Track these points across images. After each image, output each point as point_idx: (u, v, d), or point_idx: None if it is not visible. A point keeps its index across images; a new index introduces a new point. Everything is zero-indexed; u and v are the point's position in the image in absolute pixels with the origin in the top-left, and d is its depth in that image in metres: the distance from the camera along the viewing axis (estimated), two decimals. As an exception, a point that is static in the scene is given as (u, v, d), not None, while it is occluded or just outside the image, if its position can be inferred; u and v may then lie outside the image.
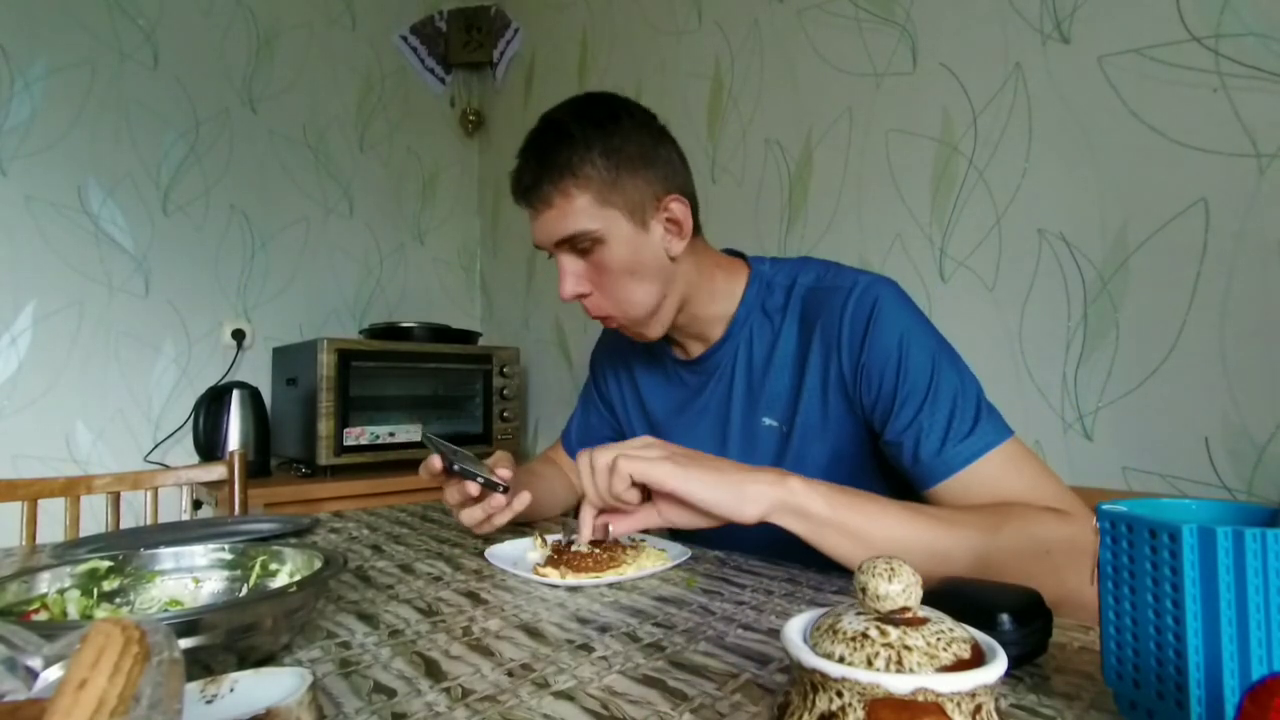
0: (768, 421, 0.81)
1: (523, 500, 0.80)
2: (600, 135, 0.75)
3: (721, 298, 0.84)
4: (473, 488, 0.78)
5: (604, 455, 0.62)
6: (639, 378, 0.96)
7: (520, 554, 0.75)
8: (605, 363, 1.03)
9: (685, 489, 0.59)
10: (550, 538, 0.78)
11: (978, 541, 0.58)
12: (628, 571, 0.66)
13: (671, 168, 0.79)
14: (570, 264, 0.78)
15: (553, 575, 0.65)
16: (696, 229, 0.81)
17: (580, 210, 0.74)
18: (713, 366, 0.86)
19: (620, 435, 1.02)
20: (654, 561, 0.71)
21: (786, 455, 0.79)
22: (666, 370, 0.92)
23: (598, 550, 0.71)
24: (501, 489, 0.78)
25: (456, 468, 0.76)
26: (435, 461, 0.78)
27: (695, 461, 0.61)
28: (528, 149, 0.78)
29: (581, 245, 0.76)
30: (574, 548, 0.70)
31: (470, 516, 0.80)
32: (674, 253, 0.78)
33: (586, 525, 0.66)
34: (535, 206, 0.77)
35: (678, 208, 0.78)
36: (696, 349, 0.87)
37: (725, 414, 0.84)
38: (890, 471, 0.74)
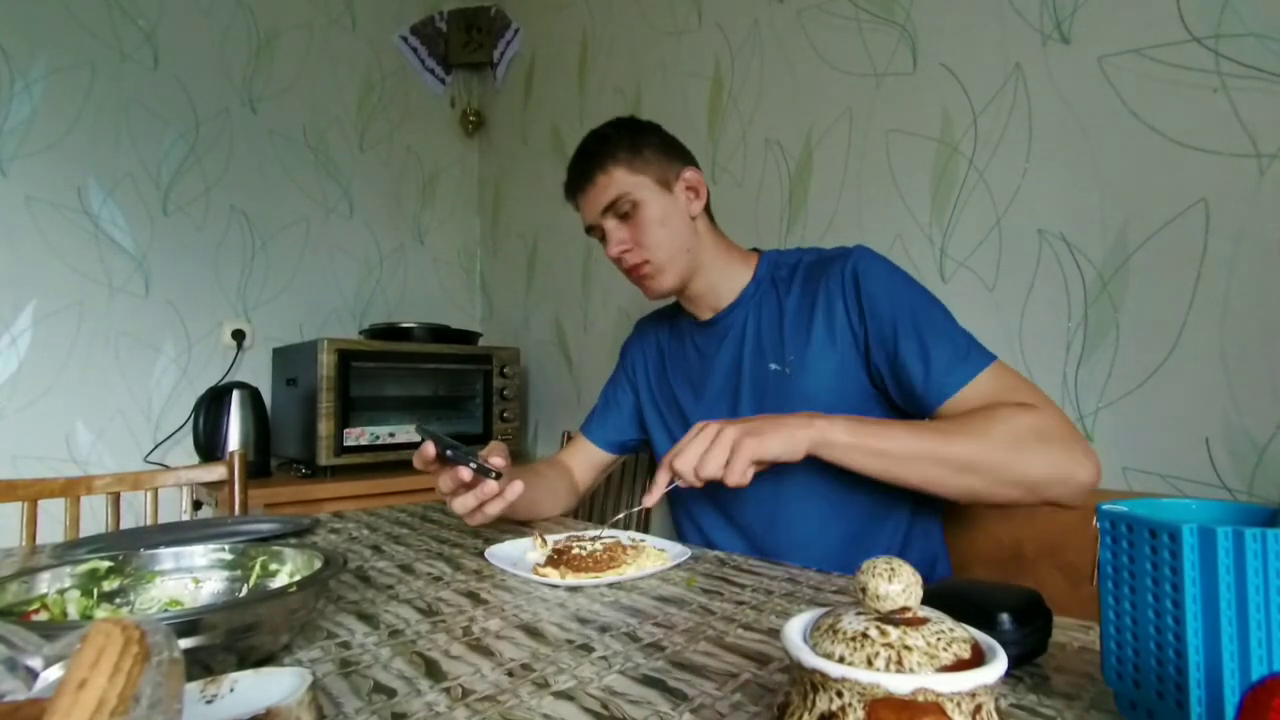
0: (773, 367, 0.93)
1: (514, 489, 0.80)
2: (627, 131, 0.97)
3: (736, 274, 1.00)
4: (465, 473, 0.78)
5: (727, 434, 0.71)
6: (664, 352, 1.11)
7: (520, 554, 0.75)
8: (635, 350, 1.16)
9: (764, 452, 0.70)
10: (551, 538, 0.78)
11: (971, 445, 0.71)
12: (627, 571, 0.67)
13: (686, 153, 1.00)
14: (614, 228, 0.96)
15: (553, 575, 0.65)
16: (708, 211, 1.00)
17: (617, 180, 0.94)
18: (725, 329, 1.00)
19: (637, 412, 1.13)
20: (654, 561, 0.71)
21: (791, 394, 0.90)
22: (684, 341, 1.07)
23: (598, 550, 0.71)
24: (494, 475, 0.77)
25: (449, 453, 0.75)
26: (429, 448, 0.79)
27: (758, 428, 0.71)
28: (575, 155, 0.99)
29: (622, 209, 0.94)
30: (642, 505, 0.76)
31: (463, 504, 0.80)
32: (693, 212, 0.97)
33: (661, 487, 0.74)
34: (583, 187, 0.96)
35: (692, 176, 0.98)
36: (708, 315, 1.02)
37: (738, 367, 0.97)
38: (887, 406, 0.88)
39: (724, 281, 0.99)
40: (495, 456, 0.82)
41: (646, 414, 1.10)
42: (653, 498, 0.75)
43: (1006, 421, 0.72)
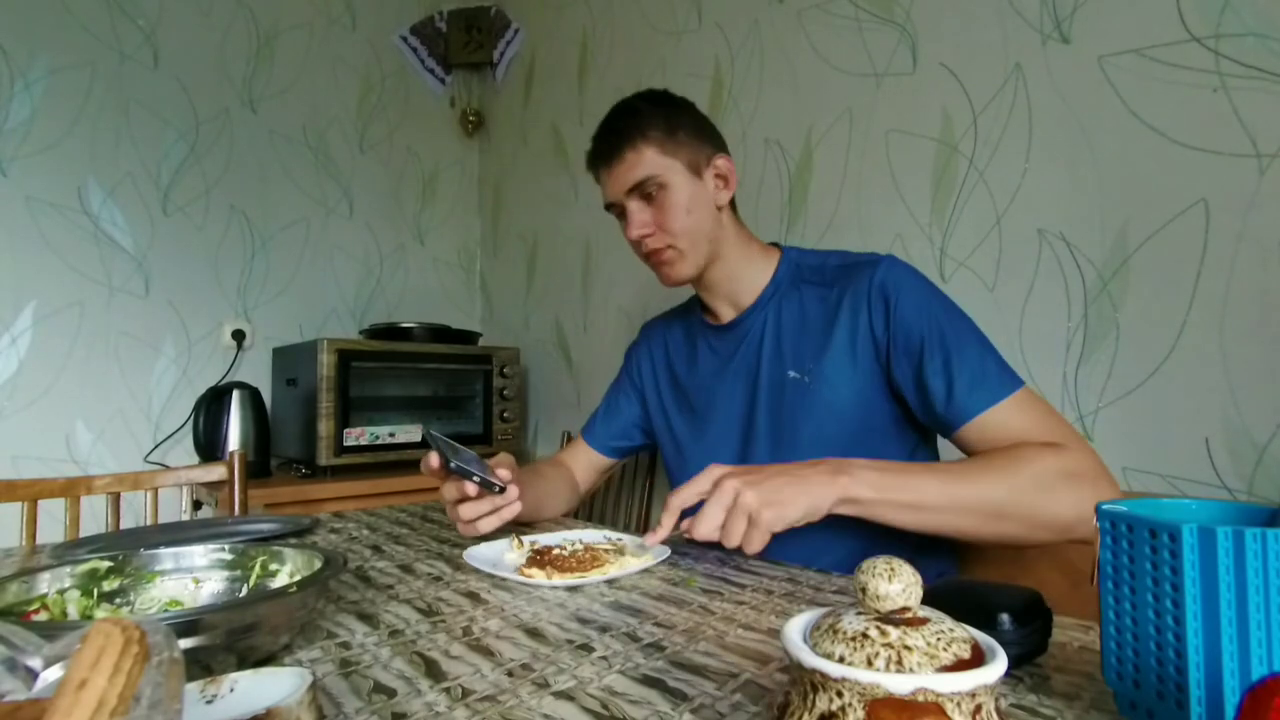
0: (792, 374, 0.90)
1: (512, 510, 0.80)
2: (661, 109, 0.93)
3: (756, 269, 0.96)
4: (470, 487, 0.78)
5: (745, 501, 0.65)
6: (673, 356, 1.07)
7: (498, 555, 0.75)
8: (641, 353, 1.13)
9: (780, 524, 0.66)
10: (527, 539, 0.78)
11: (1001, 490, 0.69)
12: (610, 570, 0.67)
13: (719, 138, 0.97)
14: (638, 209, 0.92)
15: (538, 576, 0.65)
16: (732, 202, 0.97)
17: (648, 160, 0.90)
18: (743, 331, 0.96)
19: (643, 417, 1.10)
20: (637, 560, 0.71)
21: (808, 402, 0.88)
22: (697, 344, 1.04)
23: (580, 551, 0.71)
24: (498, 489, 0.77)
25: (454, 465, 0.75)
26: (433, 458, 0.78)
27: (775, 493, 0.66)
28: (603, 125, 0.94)
29: (648, 190, 0.90)
30: (644, 542, 0.72)
31: (468, 511, 0.80)
32: (720, 202, 0.94)
33: (667, 528, 0.70)
34: (610, 163, 0.92)
35: (724, 164, 0.94)
36: (728, 314, 0.99)
37: (755, 372, 0.94)
38: (905, 420, 0.86)
39: (744, 275, 0.96)
40: (502, 469, 0.82)
41: (654, 420, 1.08)
42: (655, 538, 0.71)
43: (1034, 463, 0.70)
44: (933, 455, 0.92)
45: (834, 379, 0.86)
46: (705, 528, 0.66)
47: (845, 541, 0.85)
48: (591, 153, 0.96)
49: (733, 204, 0.98)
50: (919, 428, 0.87)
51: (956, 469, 0.72)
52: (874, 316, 0.85)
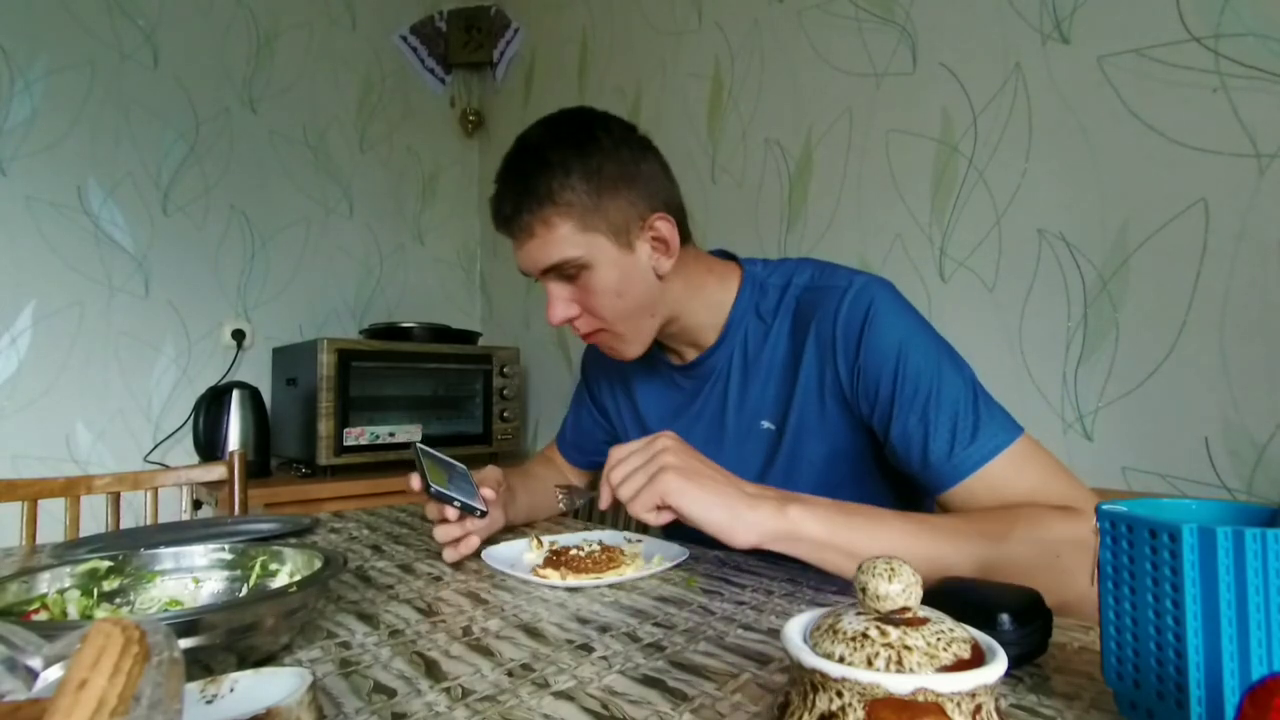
0: (765, 425, 0.80)
1: (496, 525, 0.80)
2: (579, 158, 0.72)
3: (714, 305, 0.82)
4: (450, 511, 0.74)
5: (661, 460, 0.59)
6: (634, 384, 0.95)
7: (517, 555, 0.75)
8: (597, 369, 1.02)
9: (681, 505, 0.58)
10: (547, 539, 0.78)
11: (983, 551, 0.57)
12: (627, 572, 0.67)
13: (655, 183, 0.77)
14: (557, 290, 0.77)
15: (553, 576, 0.65)
16: (686, 238, 0.79)
17: (563, 238, 0.72)
18: (707, 371, 0.85)
19: (613, 438, 1.00)
20: (653, 562, 0.71)
21: (780, 457, 0.78)
22: (661, 376, 0.91)
23: (596, 551, 0.71)
24: (479, 513, 0.73)
25: (433, 490, 0.72)
26: (414, 481, 0.74)
27: (700, 478, 0.59)
28: (505, 176, 0.76)
29: (567, 272, 0.75)
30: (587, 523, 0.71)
31: (444, 534, 0.73)
32: (662, 271, 0.77)
33: (607, 495, 0.64)
34: (517, 236, 0.75)
35: (663, 226, 0.76)
36: (691, 354, 0.86)
37: (720, 418, 0.83)
38: (892, 469, 0.73)
39: (702, 317, 0.82)
40: (487, 488, 0.78)
41: (631, 438, 0.98)
42: (604, 501, 0.65)
43: (1036, 528, 0.58)
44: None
45: (804, 432, 0.76)
46: (616, 473, 0.61)
47: None
48: (493, 213, 0.77)
49: (686, 234, 0.80)
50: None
51: (940, 524, 0.61)
52: (839, 358, 0.72)
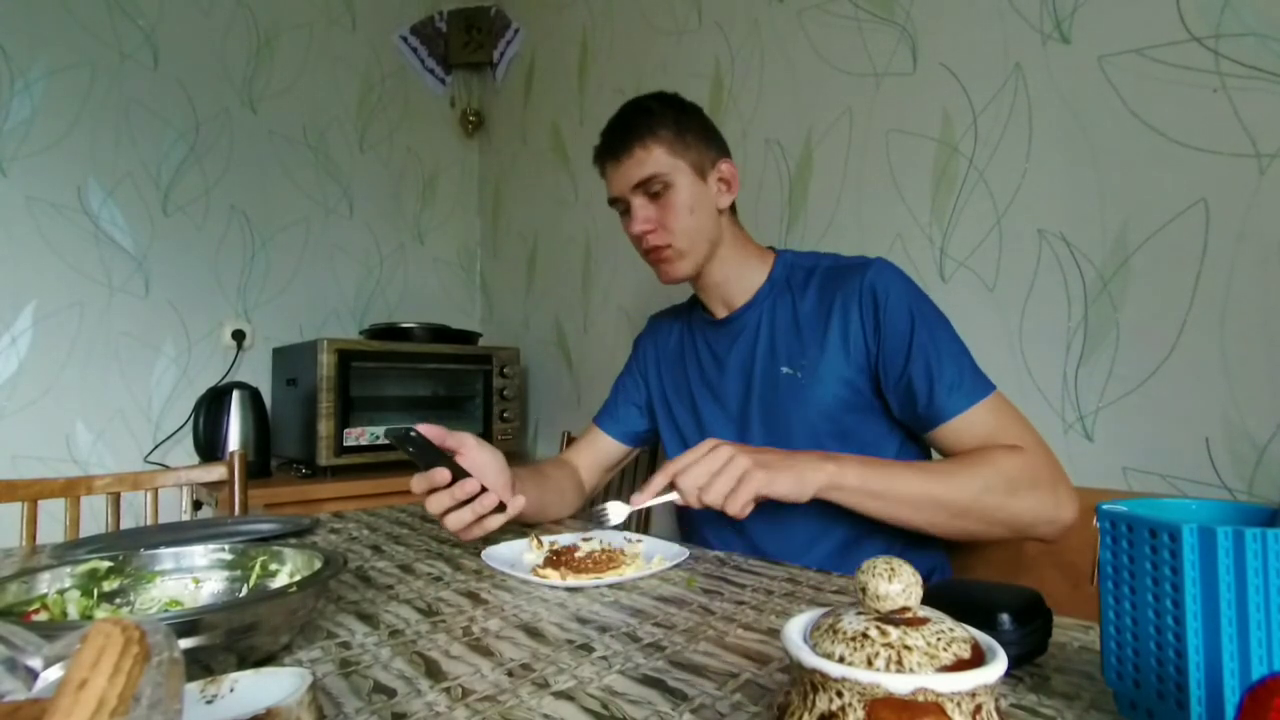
0: (786, 370, 0.93)
1: (516, 505, 0.78)
2: (672, 110, 0.95)
3: (751, 271, 0.99)
4: (441, 474, 0.72)
5: (738, 463, 0.70)
6: (675, 348, 1.11)
7: (517, 555, 0.75)
8: (648, 341, 1.16)
9: (773, 491, 0.70)
10: (547, 539, 0.78)
11: (968, 490, 0.74)
12: (627, 572, 0.67)
13: (721, 142, 1.00)
14: (642, 206, 0.94)
15: (553, 576, 0.65)
16: (733, 209, 1.00)
17: (656, 158, 0.92)
18: (739, 327, 0.99)
19: (650, 403, 1.12)
20: (653, 562, 0.71)
21: (801, 400, 0.91)
22: (696, 338, 1.07)
23: (596, 551, 0.71)
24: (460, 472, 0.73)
25: (411, 450, 0.71)
26: (422, 480, 0.75)
27: (772, 468, 0.71)
28: (614, 120, 0.97)
29: (653, 188, 0.92)
30: (635, 504, 0.72)
31: (458, 520, 0.75)
32: (722, 205, 0.96)
33: (655, 490, 0.73)
34: (619, 158, 0.94)
35: (727, 169, 0.97)
36: (722, 312, 1.01)
37: (750, 367, 0.97)
38: (891, 418, 0.89)
39: (740, 277, 0.99)
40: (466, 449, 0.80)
41: (656, 409, 1.10)
42: (644, 498, 0.72)
43: (998, 465, 0.75)
44: (920, 453, 0.93)
45: (826, 376, 0.89)
46: (690, 481, 0.69)
47: (835, 533, 0.87)
48: (600, 146, 0.97)
49: (733, 209, 1.00)
50: (904, 426, 0.90)
51: (933, 468, 0.78)
52: (864, 317, 0.88)
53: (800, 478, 0.71)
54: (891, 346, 0.85)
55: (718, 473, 0.69)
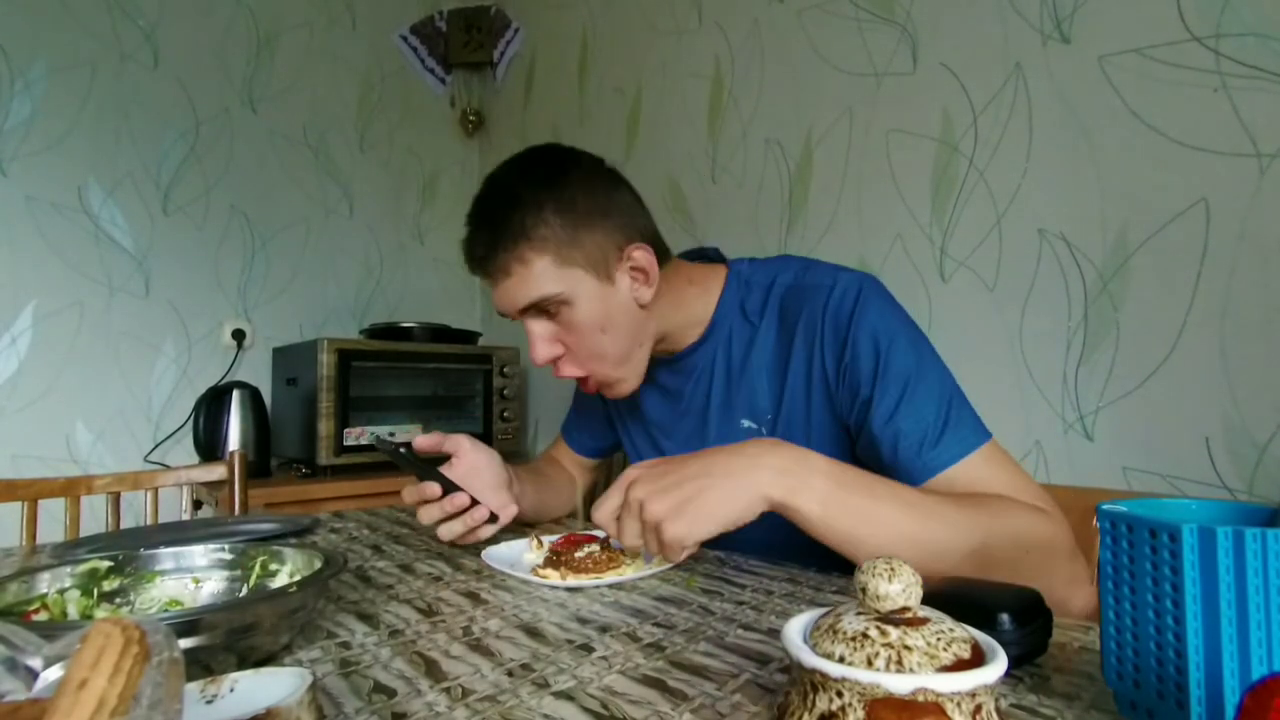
0: (746, 424, 0.79)
1: (508, 515, 0.78)
2: (550, 193, 0.72)
3: (698, 309, 0.82)
4: (432, 488, 0.72)
5: (650, 509, 0.57)
6: None
7: (517, 555, 0.75)
8: None
9: (708, 533, 0.56)
10: (547, 539, 0.78)
11: (970, 541, 0.57)
12: (627, 572, 0.67)
13: (630, 214, 0.77)
14: (538, 328, 0.76)
15: (553, 576, 0.65)
16: (664, 259, 0.80)
17: (540, 274, 0.71)
18: (690, 367, 0.84)
19: (609, 419, 1.01)
20: (653, 563, 0.71)
21: None
22: (653, 373, 0.89)
23: (596, 551, 0.71)
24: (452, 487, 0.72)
25: (403, 450, 0.71)
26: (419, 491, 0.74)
27: (688, 496, 0.56)
28: (477, 216, 0.75)
29: (548, 309, 0.74)
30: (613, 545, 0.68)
31: (449, 531, 0.75)
32: (643, 301, 0.76)
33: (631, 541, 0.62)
34: (493, 276, 0.74)
35: (641, 255, 0.75)
36: (673, 349, 0.86)
37: (704, 415, 0.83)
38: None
39: (685, 323, 0.82)
40: (496, 490, 0.78)
41: (619, 433, 1.00)
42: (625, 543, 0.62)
43: (1016, 521, 0.59)
44: None
45: (793, 429, 0.75)
46: (627, 540, 0.59)
47: None
48: (466, 255, 0.76)
49: (665, 255, 0.80)
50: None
51: (933, 504, 0.59)
52: (826, 352, 0.73)
53: (735, 510, 0.55)
54: (855, 388, 0.70)
55: (621, 518, 0.59)
